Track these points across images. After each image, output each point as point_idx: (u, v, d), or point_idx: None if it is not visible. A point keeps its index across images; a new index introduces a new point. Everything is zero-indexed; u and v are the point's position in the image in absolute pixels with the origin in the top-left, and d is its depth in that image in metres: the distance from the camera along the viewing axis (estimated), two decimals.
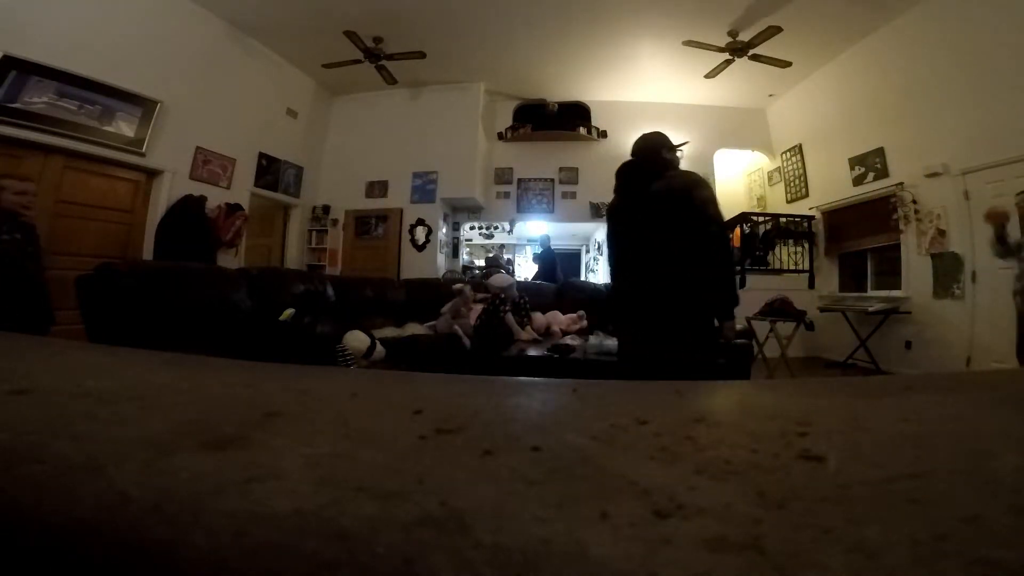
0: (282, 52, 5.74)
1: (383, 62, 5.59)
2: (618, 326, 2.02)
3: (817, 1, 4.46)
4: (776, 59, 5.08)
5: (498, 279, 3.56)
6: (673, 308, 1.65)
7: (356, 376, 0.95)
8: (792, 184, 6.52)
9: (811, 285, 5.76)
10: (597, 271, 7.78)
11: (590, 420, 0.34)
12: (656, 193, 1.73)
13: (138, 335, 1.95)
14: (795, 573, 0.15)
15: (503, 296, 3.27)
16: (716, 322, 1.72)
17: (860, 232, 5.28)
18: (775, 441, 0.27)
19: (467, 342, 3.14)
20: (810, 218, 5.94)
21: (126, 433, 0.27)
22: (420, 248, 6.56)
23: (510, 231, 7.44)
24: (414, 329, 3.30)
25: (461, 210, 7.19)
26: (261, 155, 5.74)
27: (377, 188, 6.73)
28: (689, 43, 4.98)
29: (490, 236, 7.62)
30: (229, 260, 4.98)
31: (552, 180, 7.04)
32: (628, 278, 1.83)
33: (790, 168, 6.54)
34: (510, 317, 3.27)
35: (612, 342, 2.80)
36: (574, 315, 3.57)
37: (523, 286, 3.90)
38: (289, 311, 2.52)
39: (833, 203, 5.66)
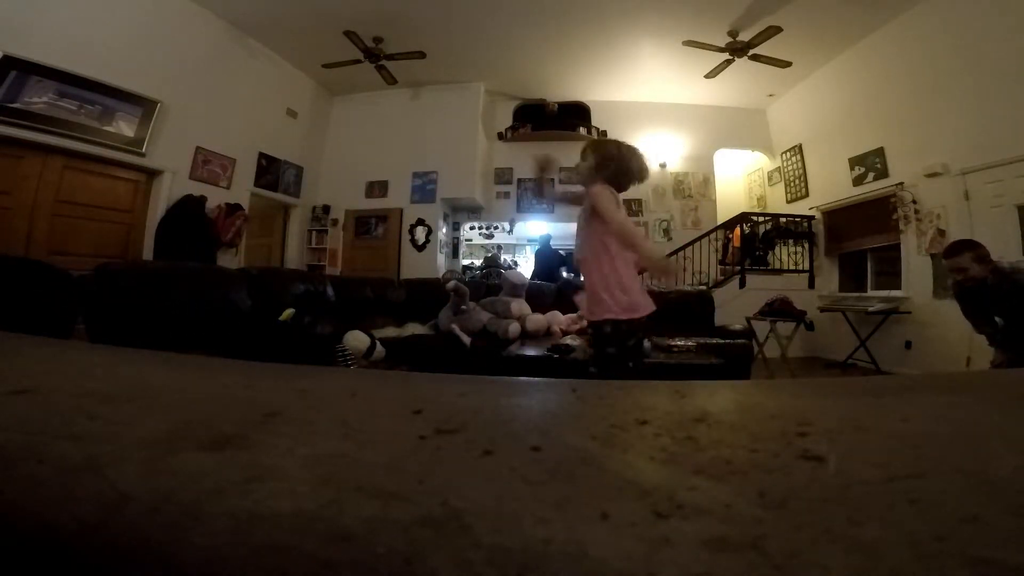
0: (282, 52, 5.74)
1: (383, 62, 5.59)
2: None
3: (817, 1, 4.46)
4: (776, 59, 5.07)
5: (513, 275, 3.56)
6: None
7: (356, 376, 0.95)
8: (792, 184, 6.52)
9: (811, 285, 5.75)
10: None
11: (590, 420, 0.34)
12: None
13: (138, 335, 1.95)
14: (795, 573, 0.15)
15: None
16: None
17: (860, 232, 5.27)
18: (775, 441, 0.27)
19: (466, 340, 3.13)
20: (810, 218, 5.93)
21: (126, 433, 0.27)
22: (420, 248, 6.56)
23: (510, 231, 7.43)
24: (414, 329, 3.29)
25: (461, 210, 7.19)
26: (261, 155, 5.73)
27: (377, 188, 6.73)
28: (689, 43, 4.98)
29: (490, 236, 7.60)
30: (229, 260, 4.99)
31: (552, 180, 7.02)
32: None
33: (790, 168, 6.54)
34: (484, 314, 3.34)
35: None
36: (574, 315, 3.55)
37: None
38: (289, 311, 2.51)
39: (833, 203, 5.65)
